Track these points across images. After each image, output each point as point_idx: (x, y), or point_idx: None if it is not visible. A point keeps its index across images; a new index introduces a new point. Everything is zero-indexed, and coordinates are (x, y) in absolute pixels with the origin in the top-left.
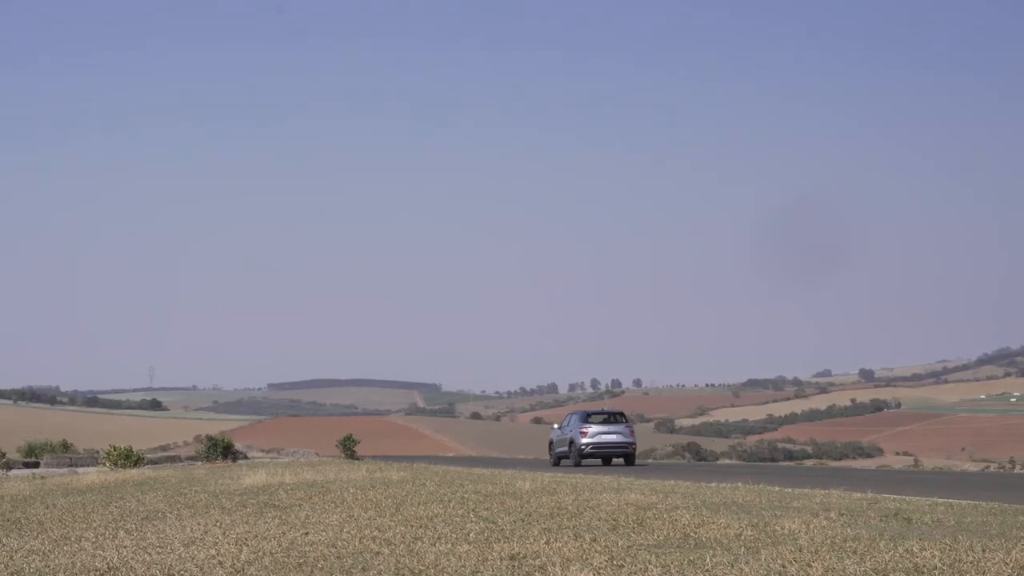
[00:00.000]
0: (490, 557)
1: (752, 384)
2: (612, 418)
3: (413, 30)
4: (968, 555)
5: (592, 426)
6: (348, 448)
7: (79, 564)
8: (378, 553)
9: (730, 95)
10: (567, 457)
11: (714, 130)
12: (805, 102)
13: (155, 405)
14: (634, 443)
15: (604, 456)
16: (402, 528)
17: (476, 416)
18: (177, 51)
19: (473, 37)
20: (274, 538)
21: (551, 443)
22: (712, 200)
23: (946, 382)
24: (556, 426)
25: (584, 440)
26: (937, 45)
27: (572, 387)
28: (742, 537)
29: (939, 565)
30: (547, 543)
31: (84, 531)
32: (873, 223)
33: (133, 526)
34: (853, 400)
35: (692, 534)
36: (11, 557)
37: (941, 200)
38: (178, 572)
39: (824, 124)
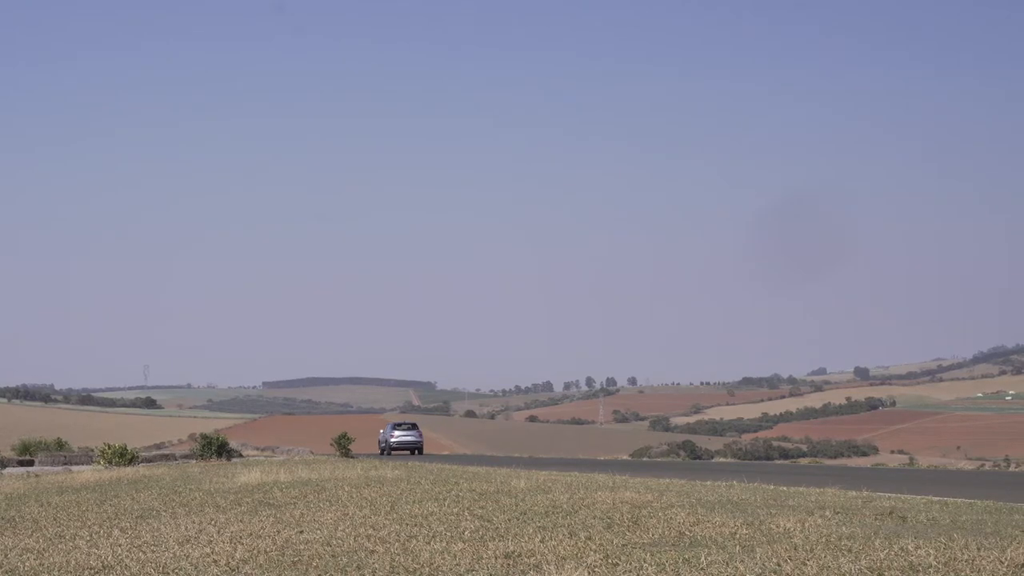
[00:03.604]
0: (485, 555)
1: (747, 382)
2: (410, 427)
3: (413, 29)
4: (963, 553)
5: (397, 431)
6: (343, 446)
7: (74, 562)
8: (373, 551)
9: (725, 94)
10: (384, 451)
11: (710, 129)
12: (799, 101)
13: (150, 403)
14: (421, 441)
15: (406, 449)
16: (397, 526)
17: (471, 414)
18: (172, 49)
19: (474, 37)
20: (269, 536)
21: (379, 442)
22: (708, 199)
23: (941, 380)
24: (382, 431)
25: (393, 440)
26: (937, 43)
27: (567, 385)
28: (737, 535)
29: (934, 563)
30: (542, 541)
31: (79, 529)
32: (868, 222)
33: (128, 524)
34: (848, 398)
35: (687, 532)
36: (6, 555)
37: (937, 199)
38: (173, 570)
39: (818, 124)
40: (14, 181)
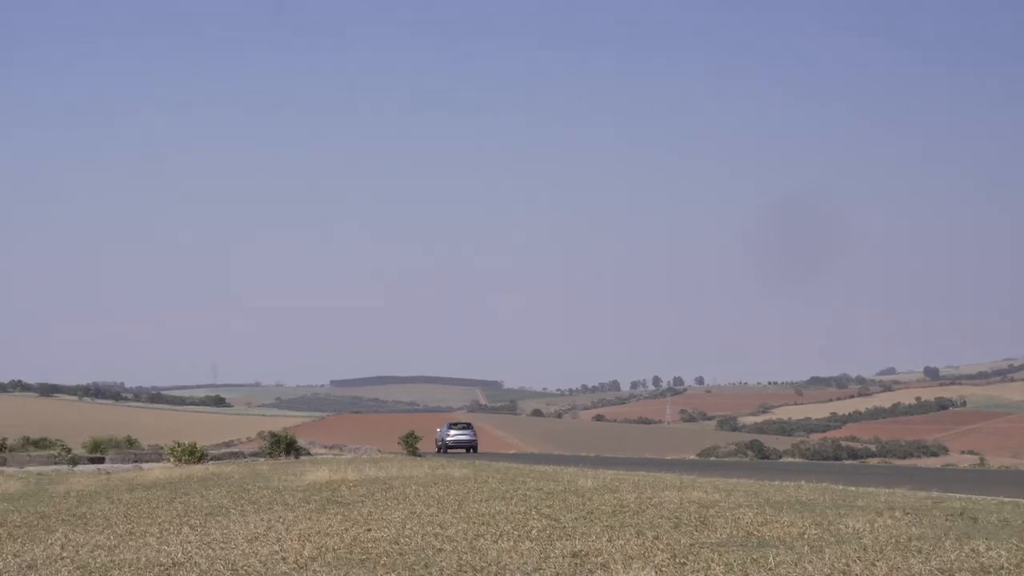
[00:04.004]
0: (552, 554)
1: (815, 382)
2: (465, 426)
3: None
4: None
5: (452, 430)
6: (410, 445)
7: (144, 559)
8: (440, 550)
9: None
10: (441, 449)
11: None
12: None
13: (218, 401)
14: (476, 440)
15: (461, 447)
16: (464, 525)
17: (538, 413)
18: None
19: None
20: (337, 534)
21: (436, 440)
22: (768, 201)
23: (1012, 380)
24: (439, 430)
25: (448, 439)
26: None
27: (634, 384)
28: (806, 536)
29: (1006, 565)
30: (609, 540)
31: (149, 526)
32: (937, 221)
33: (197, 522)
34: (918, 398)
35: (755, 532)
36: (77, 552)
37: (1004, 197)
38: (242, 567)
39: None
40: (84, 187)
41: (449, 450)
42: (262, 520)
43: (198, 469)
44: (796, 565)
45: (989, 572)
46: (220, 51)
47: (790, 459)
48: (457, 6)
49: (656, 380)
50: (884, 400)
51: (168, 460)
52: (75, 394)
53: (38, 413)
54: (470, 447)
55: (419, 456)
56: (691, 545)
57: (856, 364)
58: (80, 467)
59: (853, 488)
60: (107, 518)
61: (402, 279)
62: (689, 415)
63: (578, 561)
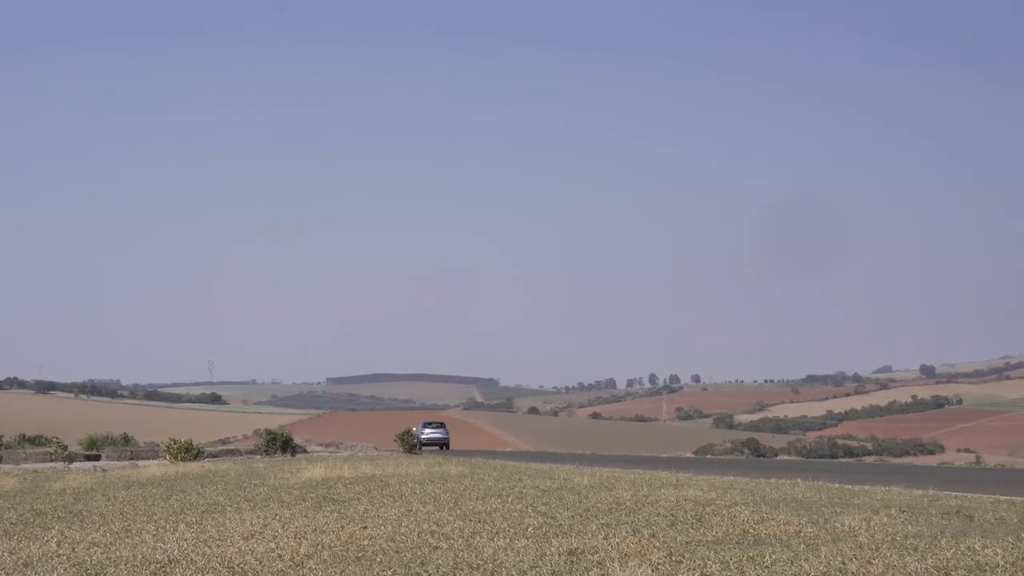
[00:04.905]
0: (548, 552)
1: (812, 380)
2: (439, 425)
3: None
4: None
5: (427, 429)
6: (407, 442)
7: (140, 556)
8: (436, 547)
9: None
10: (416, 446)
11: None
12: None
13: (215, 399)
14: (448, 438)
15: (434, 444)
16: (460, 522)
17: (534, 411)
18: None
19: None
20: (333, 532)
21: (414, 438)
22: (767, 201)
23: (1008, 378)
24: (414, 428)
25: (423, 436)
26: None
27: (630, 382)
28: (802, 534)
29: (1001, 563)
30: (605, 538)
31: (145, 524)
32: (934, 220)
33: (193, 519)
34: (914, 396)
35: (751, 530)
36: (73, 549)
37: (1001, 196)
38: (238, 565)
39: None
40: (77, 182)
41: (423, 447)
42: (258, 517)
43: (194, 467)
44: (792, 563)
45: (985, 570)
46: (220, 50)
47: (786, 457)
48: (457, 6)
49: (652, 378)
50: (880, 398)
51: (164, 457)
52: (71, 391)
53: (34, 410)
54: (443, 444)
55: (415, 454)
56: (687, 543)
57: (852, 362)
58: (76, 464)
59: (849, 486)
60: (103, 515)
61: (399, 277)
62: (685, 413)
63: (574, 559)
